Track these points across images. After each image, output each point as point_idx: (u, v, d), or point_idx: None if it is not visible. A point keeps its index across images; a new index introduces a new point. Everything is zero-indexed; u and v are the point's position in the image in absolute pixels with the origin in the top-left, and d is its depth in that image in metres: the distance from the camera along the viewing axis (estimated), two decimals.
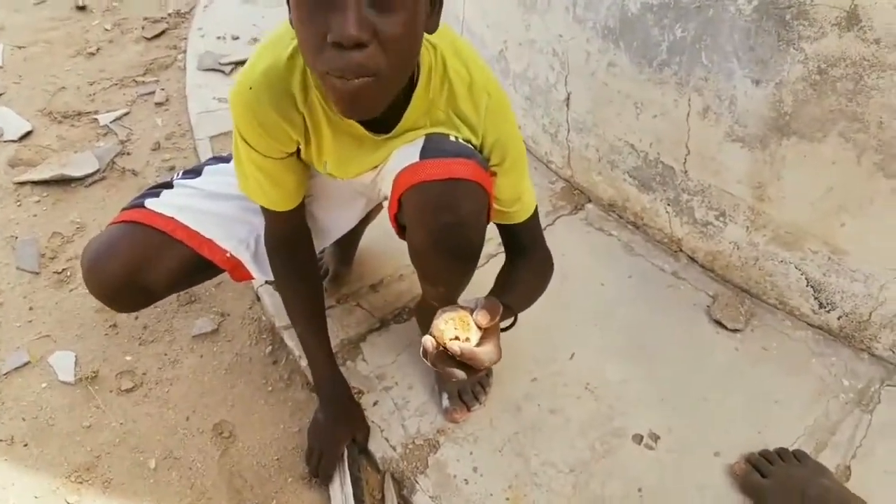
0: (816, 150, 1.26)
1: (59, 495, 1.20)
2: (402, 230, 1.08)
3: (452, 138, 0.98)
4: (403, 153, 0.99)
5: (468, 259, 1.04)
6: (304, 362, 1.40)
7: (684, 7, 1.32)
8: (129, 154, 2.06)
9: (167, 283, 1.16)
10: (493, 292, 1.06)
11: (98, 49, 2.59)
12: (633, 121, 1.58)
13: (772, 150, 1.33)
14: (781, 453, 1.23)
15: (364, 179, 1.12)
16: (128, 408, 1.35)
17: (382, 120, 0.97)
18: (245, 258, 1.20)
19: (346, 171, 1.07)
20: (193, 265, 1.16)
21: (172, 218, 1.13)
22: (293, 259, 1.19)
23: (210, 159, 1.28)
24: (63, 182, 1.91)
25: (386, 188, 1.04)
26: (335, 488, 1.20)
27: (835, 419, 1.32)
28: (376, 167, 1.07)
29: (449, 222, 0.95)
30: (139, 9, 2.88)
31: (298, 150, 1.05)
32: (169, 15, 2.86)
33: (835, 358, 1.44)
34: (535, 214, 1.12)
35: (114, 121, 2.19)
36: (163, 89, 2.36)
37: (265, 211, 1.12)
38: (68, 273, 1.64)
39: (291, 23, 0.81)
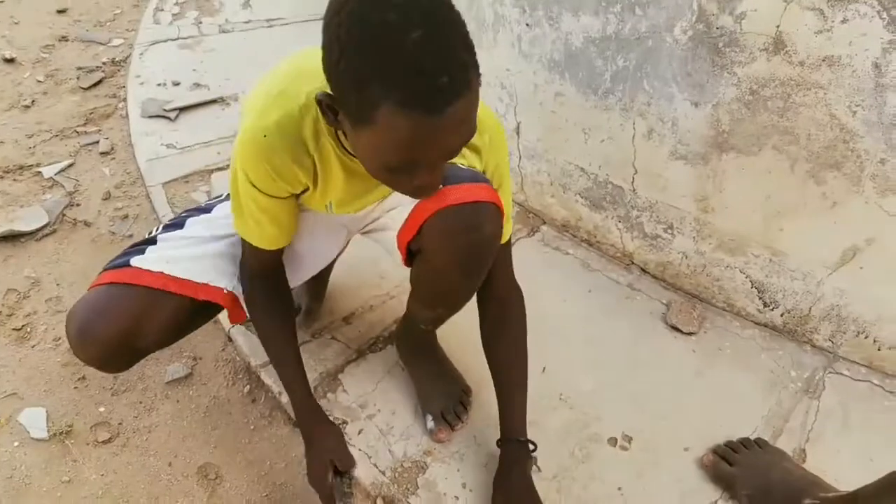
0: (753, 163, 1.38)
1: None
2: (408, 257, 1.14)
3: (462, 165, 1.04)
4: None
5: (481, 277, 1.12)
6: (284, 398, 1.42)
7: (625, 39, 1.44)
8: (78, 205, 2.03)
9: (160, 339, 1.16)
10: (506, 428, 1.26)
11: (33, 101, 2.54)
12: (582, 145, 1.68)
13: (713, 165, 1.45)
14: (745, 442, 1.32)
15: (360, 212, 1.17)
16: (107, 459, 1.34)
17: None
18: (239, 292, 1.22)
19: (351, 207, 1.12)
20: (187, 316, 1.17)
21: (161, 273, 1.13)
22: (272, 288, 1.22)
23: (189, 210, 1.28)
24: (12, 238, 1.87)
25: (390, 218, 1.09)
26: None
27: (787, 407, 1.43)
28: (381, 199, 1.13)
29: (473, 243, 1.02)
30: (71, 59, 2.85)
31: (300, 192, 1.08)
32: (104, 63, 2.84)
33: (781, 352, 1.56)
34: (509, 243, 1.21)
35: (58, 172, 2.16)
36: (107, 138, 2.34)
37: (251, 248, 1.14)
38: (28, 329, 1.60)
39: (356, 146, 0.85)
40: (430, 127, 0.74)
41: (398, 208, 1.17)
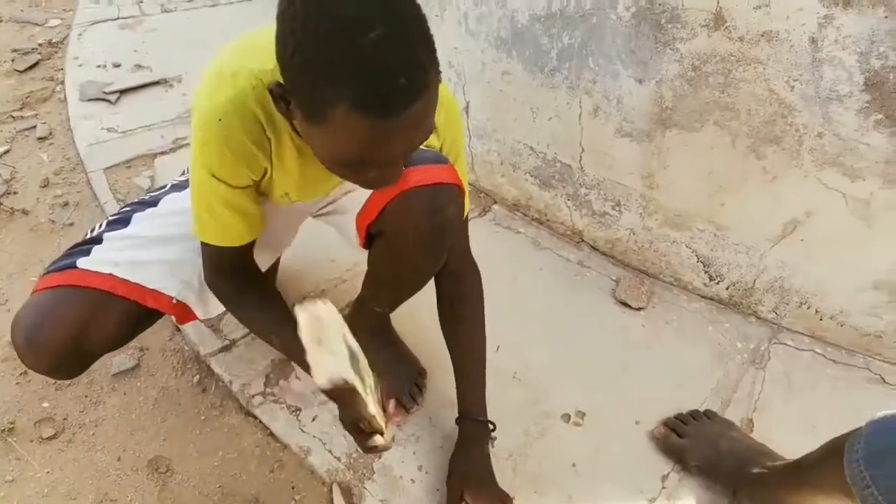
0: (696, 139, 1.40)
1: None
2: (367, 240, 1.13)
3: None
4: None
5: (442, 258, 1.13)
6: (235, 387, 1.40)
7: (570, 16, 1.43)
8: (15, 193, 1.96)
9: (110, 343, 1.12)
10: (464, 406, 1.27)
11: None
12: (531, 124, 1.68)
13: (657, 142, 1.46)
14: (694, 414, 1.36)
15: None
16: (52, 455, 1.30)
17: None
18: (191, 300, 1.17)
19: (311, 193, 1.09)
20: (136, 318, 1.13)
21: (110, 275, 1.08)
22: (247, 280, 1.14)
23: (134, 204, 1.22)
24: None
25: (349, 200, 1.08)
26: None
27: (734, 378, 1.47)
28: (336, 186, 1.11)
29: (437, 225, 1.02)
30: (5, 41, 2.73)
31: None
32: (40, 45, 2.72)
33: (727, 324, 1.59)
34: (466, 220, 1.21)
35: None
36: (44, 123, 2.26)
37: (215, 251, 1.07)
38: None
39: (308, 139, 0.82)
40: (386, 129, 0.72)
41: (357, 191, 1.15)
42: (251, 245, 1.11)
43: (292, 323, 1.02)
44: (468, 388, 1.26)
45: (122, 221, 1.18)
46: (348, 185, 1.17)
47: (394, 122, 0.71)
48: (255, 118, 0.92)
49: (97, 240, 1.15)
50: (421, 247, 1.07)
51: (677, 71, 1.34)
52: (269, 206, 1.17)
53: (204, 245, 1.07)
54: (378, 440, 0.96)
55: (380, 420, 0.93)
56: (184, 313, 1.19)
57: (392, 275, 1.20)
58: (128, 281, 1.10)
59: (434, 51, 0.74)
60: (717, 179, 1.43)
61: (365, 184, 0.86)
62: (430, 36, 0.73)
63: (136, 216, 1.19)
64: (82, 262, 1.10)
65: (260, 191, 1.06)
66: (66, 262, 1.11)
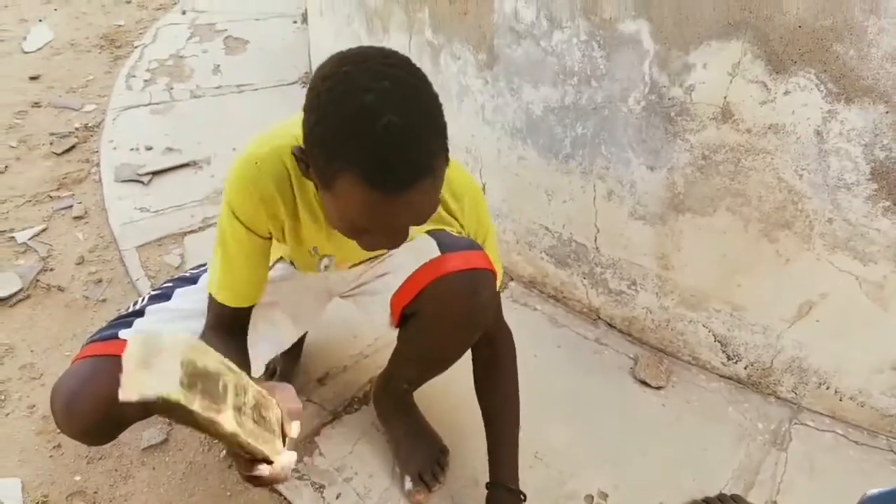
0: (709, 223, 1.46)
1: None
2: (401, 320, 1.19)
3: (454, 233, 1.10)
4: (417, 248, 1.10)
5: (473, 340, 1.19)
6: None
7: (582, 108, 1.52)
8: (52, 270, 2.03)
9: (146, 412, 1.16)
10: (495, 473, 1.26)
11: (6, 167, 2.55)
12: (546, 206, 1.75)
13: (671, 224, 1.52)
14: (721, 498, 1.35)
15: (352, 273, 1.20)
16: None
17: None
18: None
19: (345, 255, 1.15)
20: None
21: None
22: (229, 342, 1.14)
23: (175, 280, 1.29)
24: None
25: (381, 284, 1.15)
26: None
27: (756, 460, 1.47)
28: (372, 259, 1.17)
29: (472, 308, 1.08)
30: (44, 125, 2.88)
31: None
32: (77, 129, 2.86)
33: (747, 404, 1.61)
34: (498, 291, 1.24)
35: (32, 238, 2.16)
36: (80, 203, 2.36)
37: (217, 308, 1.11)
38: (2, 397, 1.59)
39: (321, 200, 0.91)
40: (388, 203, 0.80)
41: (390, 275, 1.21)
42: (248, 316, 1.16)
43: None
44: (501, 455, 1.27)
45: (163, 296, 1.25)
46: (381, 268, 1.23)
47: (396, 198, 0.79)
48: (286, 171, 1.01)
49: (139, 312, 1.21)
50: (454, 329, 1.13)
51: (688, 159, 1.41)
52: (298, 277, 1.23)
53: (210, 300, 1.13)
54: (263, 469, 0.82)
55: (261, 445, 0.79)
56: None
57: (422, 354, 1.25)
58: None
59: (444, 139, 0.82)
60: (730, 262, 1.48)
61: (368, 246, 0.92)
62: (443, 126, 0.82)
63: (177, 291, 1.25)
64: (123, 333, 1.15)
65: (288, 256, 1.13)
66: (109, 332, 1.16)
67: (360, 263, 1.23)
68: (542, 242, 1.84)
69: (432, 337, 1.17)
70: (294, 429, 0.88)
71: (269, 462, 0.82)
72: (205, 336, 1.16)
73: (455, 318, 1.10)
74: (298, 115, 1.04)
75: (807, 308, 1.44)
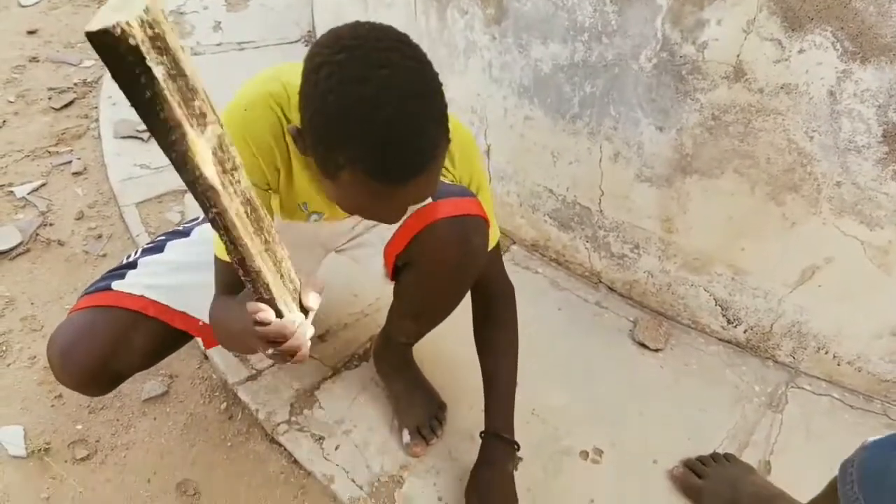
0: (716, 185, 1.45)
1: None
2: (394, 271, 1.18)
3: (447, 181, 1.08)
4: None
5: (466, 289, 1.18)
6: (261, 415, 1.43)
7: (592, 66, 1.50)
8: (51, 225, 2.02)
9: (140, 363, 1.17)
10: (490, 422, 1.27)
11: (4, 122, 2.52)
12: (551, 168, 1.74)
13: (677, 187, 1.51)
14: (714, 457, 1.37)
15: (344, 224, 1.20)
16: (85, 476, 1.33)
17: None
18: None
19: (336, 212, 1.13)
20: (165, 340, 1.18)
21: (142, 296, 1.14)
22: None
23: (168, 233, 1.29)
24: None
25: (373, 235, 1.13)
26: None
27: (752, 421, 1.49)
28: None
29: (463, 254, 1.07)
30: (42, 80, 2.84)
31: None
32: (75, 84, 2.82)
33: (745, 367, 1.62)
34: (498, 245, 1.24)
35: (31, 192, 2.14)
36: (79, 158, 2.33)
37: (222, 268, 1.08)
38: (3, 348, 1.59)
39: (320, 183, 0.90)
40: (390, 194, 0.80)
41: (382, 225, 1.20)
42: None
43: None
44: (496, 406, 1.28)
45: (156, 248, 1.25)
46: None
47: (400, 187, 0.79)
48: (278, 119, 0.97)
49: (132, 265, 1.21)
50: (447, 276, 1.12)
51: (697, 120, 1.40)
52: (290, 227, 1.22)
53: (216, 261, 1.09)
54: (268, 312, 0.72)
55: (259, 259, 0.69)
56: (210, 337, 1.23)
57: (417, 305, 1.25)
58: (158, 303, 1.16)
59: (446, 122, 0.81)
60: (736, 225, 1.48)
61: (368, 219, 0.94)
62: (444, 109, 0.81)
63: (169, 244, 1.25)
64: (117, 285, 1.16)
65: (279, 203, 1.11)
66: (103, 284, 1.17)
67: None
68: (545, 205, 1.83)
69: (426, 286, 1.16)
70: (313, 300, 0.79)
71: (279, 314, 0.73)
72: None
73: (447, 265, 1.09)
74: (289, 63, 1.02)
75: (810, 273, 1.44)
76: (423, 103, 0.78)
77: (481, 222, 1.08)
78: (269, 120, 0.96)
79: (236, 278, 1.14)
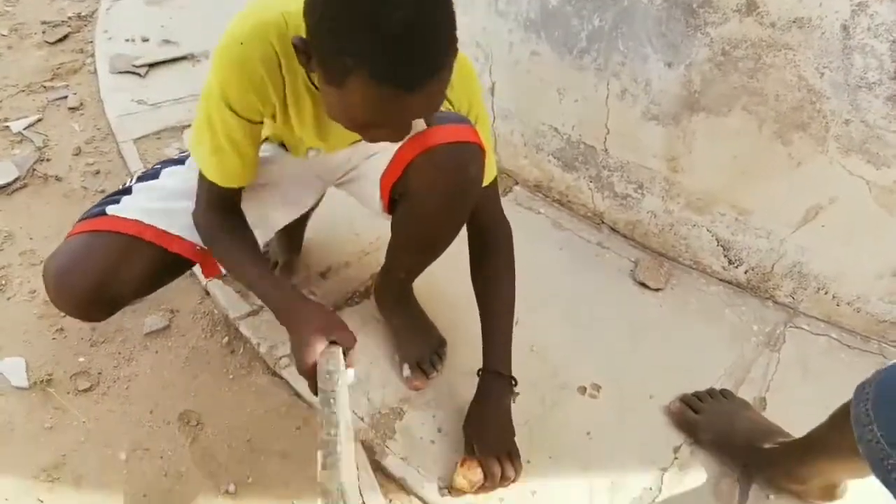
0: (723, 123, 1.43)
1: (31, 494, 1.19)
2: (391, 203, 1.16)
3: (443, 108, 1.06)
4: None
5: (464, 218, 1.16)
6: (262, 349, 1.44)
7: None
8: (48, 160, 2.00)
9: (137, 289, 1.15)
10: (487, 359, 1.27)
11: None
12: (556, 105, 1.71)
13: (684, 125, 1.49)
14: (710, 392, 1.38)
15: (340, 156, 1.18)
16: (88, 406, 1.35)
17: None
18: None
19: (329, 141, 1.11)
20: (162, 266, 1.16)
21: (138, 221, 1.12)
22: (231, 220, 1.15)
23: (162, 162, 1.27)
24: None
25: (369, 166, 1.11)
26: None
27: (749, 359, 1.50)
28: (357, 142, 1.14)
29: (459, 181, 1.06)
30: (35, 13, 2.77)
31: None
32: (69, 18, 2.76)
33: (744, 307, 1.62)
34: (496, 183, 1.23)
35: (27, 127, 2.12)
36: (75, 94, 2.30)
37: (208, 186, 1.09)
38: (3, 282, 1.59)
39: (324, 95, 0.86)
40: (400, 100, 0.77)
41: (377, 155, 1.18)
42: (240, 194, 1.14)
43: (267, 269, 1.12)
44: (494, 342, 1.28)
45: (151, 175, 1.23)
46: (369, 148, 1.19)
47: (408, 95, 0.77)
48: (274, 53, 0.94)
49: (127, 191, 1.20)
50: (443, 205, 1.10)
51: (707, 55, 1.37)
52: (283, 163, 1.21)
53: (200, 178, 1.10)
54: None
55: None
56: (208, 263, 1.23)
57: (414, 237, 1.23)
58: (154, 227, 1.14)
59: (455, 31, 0.79)
60: (741, 164, 1.46)
61: (371, 139, 0.90)
62: (454, 16, 0.78)
63: (164, 171, 1.24)
64: (112, 210, 1.14)
65: (276, 136, 1.10)
66: (98, 209, 1.16)
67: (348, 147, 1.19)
68: (550, 145, 1.81)
69: (421, 216, 1.14)
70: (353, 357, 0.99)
71: None
72: (201, 216, 1.14)
73: (443, 193, 1.08)
74: None
75: (814, 213, 1.43)
76: (437, 6, 0.76)
77: (478, 150, 1.06)
78: (264, 54, 0.94)
79: (218, 198, 1.13)
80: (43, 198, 1.86)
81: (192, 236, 1.18)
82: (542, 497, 1.24)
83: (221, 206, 1.13)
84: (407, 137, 1.02)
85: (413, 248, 1.27)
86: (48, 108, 2.23)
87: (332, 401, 0.90)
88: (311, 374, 0.96)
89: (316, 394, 0.94)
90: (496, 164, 1.96)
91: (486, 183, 1.15)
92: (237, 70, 0.95)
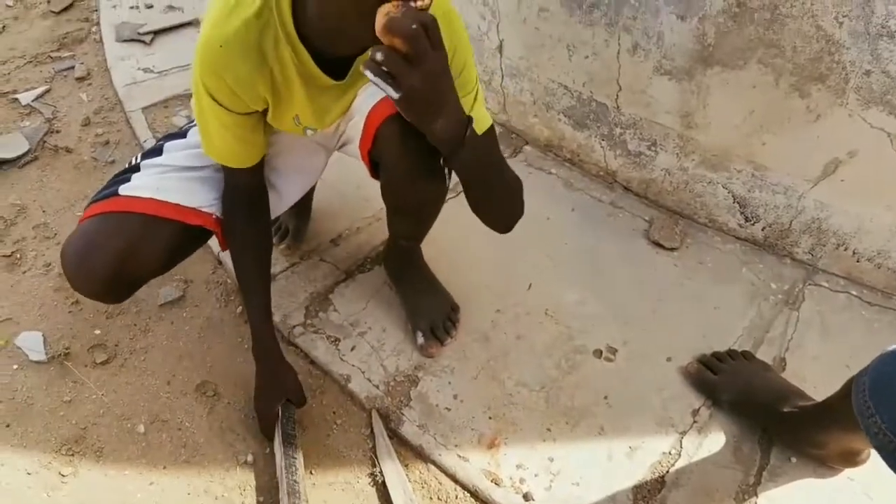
0: (738, 77, 1.38)
1: (52, 469, 1.21)
2: (374, 169, 1.14)
3: None
4: (370, 90, 1.05)
5: (440, 183, 1.12)
6: (276, 317, 1.44)
7: None
8: (58, 132, 2.00)
9: (155, 267, 1.16)
10: None
11: (3, 27, 2.46)
12: (566, 62, 1.66)
13: (697, 80, 1.44)
14: (730, 353, 1.37)
15: (331, 127, 1.16)
16: (106, 379, 1.36)
17: (339, 65, 1.00)
18: None
19: (323, 120, 1.10)
20: (181, 240, 1.17)
21: (152, 198, 1.12)
22: (252, 216, 1.21)
23: (165, 136, 1.26)
24: None
25: (353, 129, 1.09)
26: (276, 446, 1.22)
27: (767, 318, 1.48)
28: (345, 112, 1.12)
29: (425, 144, 0.98)
30: None
31: (265, 111, 1.06)
32: None
33: (762, 265, 1.60)
34: (493, 132, 1.12)
35: (35, 99, 2.11)
36: (82, 63, 2.28)
37: (228, 170, 1.14)
38: (18, 256, 1.60)
39: None
40: None
41: (356, 119, 1.15)
42: (260, 168, 1.15)
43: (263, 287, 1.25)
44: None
45: (155, 151, 1.23)
46: (352, 111, 1.15)
47: None
48: (258, 47, 0.94)
49: (135, 168, 1.19)
50: (412, 169, 1.07)
51: (721, 6, 1.32)
52: (285, 138, 1.19)
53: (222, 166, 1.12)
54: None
55: None
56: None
57: (398, 202, 1.21)
58: (169, 203, 1.14)
59: None
60: (758, 118, 1.42)
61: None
62: None
63: (167, 145, 1.23)
64: (124, 189, 1.14)
65: (269, 120, 1.08)
66: (109, 190, 1.15)
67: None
68: (560, 103, 1.77)
69: (397, 181, 1.12)
70: None
71: None
72: (227, 198, 1.18)
73: (410, 156, 1.04)
74: None
75: (833, 167, 1.39)
76: None
77: None
78: (246, 53, 0.93)
79: (242, 182, 1.14)
80: (54, 170, 1.86)
81: (207, 205, 1.18)
82: (560, 463, 1.24)
83: (245, 186, 1.17)
84: (376, 100, 0.99)
85: (401, 212, 1.26)
86: (56, 79, 2.22)
87: (295, 446, 1.20)
88: (264, 413, 1.25)
89: (269, 436, 1.25)
90: (505, 123, 1.94)
91: (481, 131, 1.05)
92: (221, 72, 0.95)
